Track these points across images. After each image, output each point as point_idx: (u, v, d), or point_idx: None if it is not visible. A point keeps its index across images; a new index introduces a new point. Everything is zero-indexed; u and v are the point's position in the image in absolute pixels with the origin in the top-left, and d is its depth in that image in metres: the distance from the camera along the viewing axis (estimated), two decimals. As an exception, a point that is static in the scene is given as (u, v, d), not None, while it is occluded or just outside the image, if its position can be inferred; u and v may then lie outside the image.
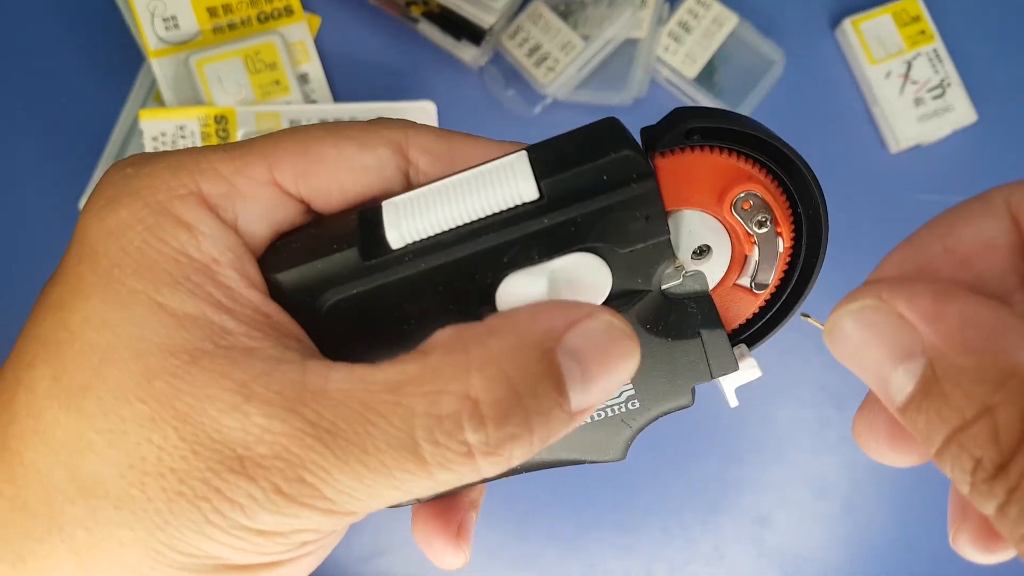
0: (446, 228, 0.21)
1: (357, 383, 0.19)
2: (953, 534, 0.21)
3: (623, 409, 0.25)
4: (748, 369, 0.25)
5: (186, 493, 0.19)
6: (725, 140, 0.23)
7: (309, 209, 0.23)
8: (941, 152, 0.63)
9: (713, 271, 0.25)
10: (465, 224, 0.21)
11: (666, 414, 0.25)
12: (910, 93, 0.62)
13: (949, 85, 0.62)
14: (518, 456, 0.19)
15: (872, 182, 0.63)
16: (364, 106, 0.56)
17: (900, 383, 0.18)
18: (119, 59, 0.58)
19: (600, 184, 0.21)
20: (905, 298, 0.18)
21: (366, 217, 0.22)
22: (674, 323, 0.24)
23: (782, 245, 0.24)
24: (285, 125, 0.55)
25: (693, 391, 0.25)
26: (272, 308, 0.21)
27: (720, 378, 0.25)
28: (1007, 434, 0.16)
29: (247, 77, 0.55)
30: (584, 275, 0.22)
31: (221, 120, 0.54)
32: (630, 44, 0.60)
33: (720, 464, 0.62)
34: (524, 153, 0.22)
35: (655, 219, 0.22)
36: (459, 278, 0.22)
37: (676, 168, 0.23)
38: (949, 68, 0.62)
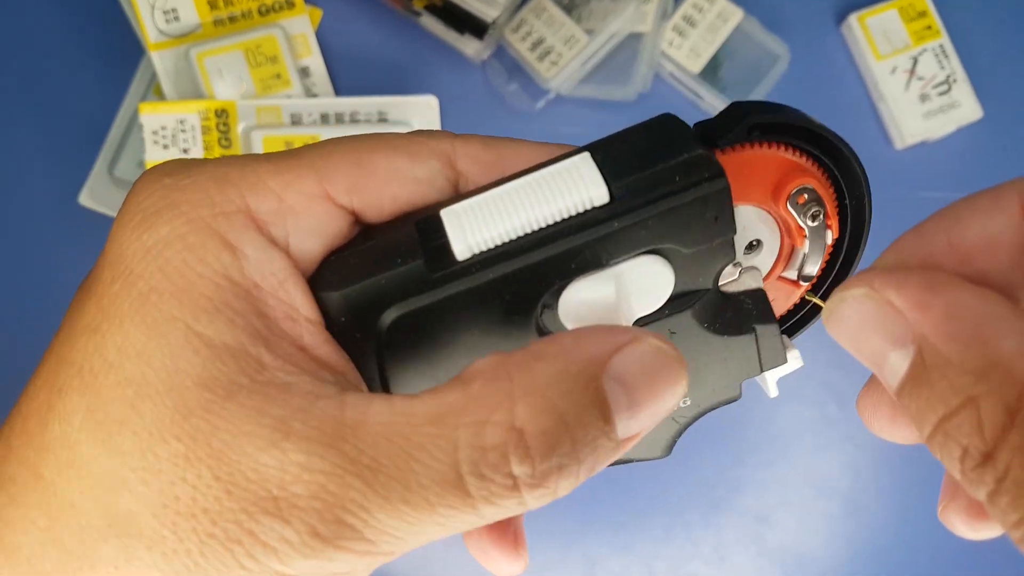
0: (515, 236, 0.21)
1: (397, 416, 0.18)
2: (942, 508, 0.22)
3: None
4: (793, 361, 0.25)
5: (218, 535, 0.18)
6: (781, 134, 0.23)
7: (357, 220, 0.22)
8: (946, 149, 0.63)
9: (762, 265, 0.25)
10: (534, 231, 0.21)
11: (714, 409, 0.25)
12: (916, 89, 0.61)
13: (955, 81, 0.62)
14: (564, 488, 0.18)
15: (877, 178, 0.62)
16: (366, 100, 0.56)
17: (893, 369, 0.18)
18: (119, 52, 0.58)
19: (672, 185, 0.21)
20: (895, 287, 0.18)
21: (424, 228, 0.21)
22: (730, 320, 0.24)
23: (830, 237, 0.24)
24: (286, 119, 0.55)
25: (741, 386, 0.25)
26: (311, 340, 0.21)
27: (766, 374, 0.25)
28: (991, 424, 0.16)
29: (248, 70, 0.55)
30: (649, 278, 0.22)
31: (222, 114, 0.54)
32: (634, 38, 0.59)
33: (721, 462, 0.62)
34: (587, 155, 0.21)
35: (724, 219, 0.21)
36: (526, 286, 0.21)
37: (735, 164, 0.23)
38: (955, 64, 0.62)
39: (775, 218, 0.24)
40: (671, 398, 0.19)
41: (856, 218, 0.25)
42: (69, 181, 0.56)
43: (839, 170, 0.24)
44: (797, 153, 0.23)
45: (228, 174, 0.21)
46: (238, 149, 0.54)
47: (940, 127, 0.61)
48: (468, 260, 0.21)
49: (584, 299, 0.21)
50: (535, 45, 0.59)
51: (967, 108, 0.62)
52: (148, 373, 0.19)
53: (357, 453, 0.18)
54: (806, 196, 0.23)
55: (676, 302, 0.23)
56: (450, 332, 0.21)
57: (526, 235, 0.21)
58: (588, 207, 0.21)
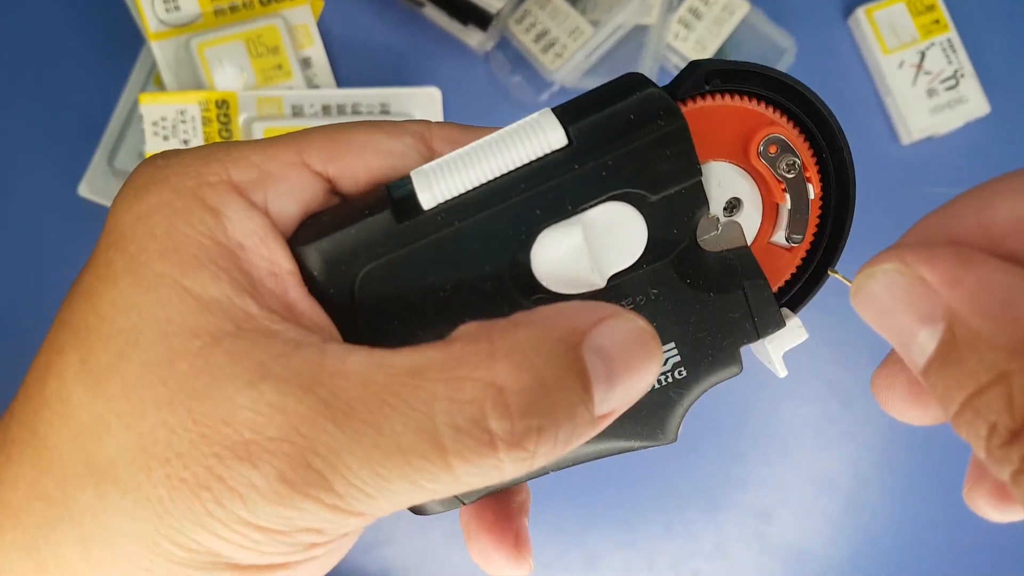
0: (477, 184, 0.21)
1: (376, 366, 0.18)
2: (968, 489, 0.22)
3: (670, 379, 0.24)
4: (795, 330, 0.24)
5: (188, 480, 0.18)
6: (743, 85, 0.23)
7: (334, 190, 0.23)
8: (953, 144, 0.63)
9: (747, 227, 0.25)
10: (496, 178, 0.21)
11: (716, 384, 0.25)
12: (923, 84, 0.61)
13: (963, 76, 0.61)
14: (542, 454, 0.18)
15: (883, 174, 0.62)
16: (368, 91, 0.56)
17: (922, 346, 0.18)
18: (119, 41, 0.57)
19: (628, 124, 0.21)
20: (927, 262, 0.18)
21: (394, 186, 0.22)
22: (715, 275, 0.24)
23: (812, 192, 0.24)
24: (287, 110, 0.54)
25: (740, 356, 0.24)
26: (296, 294, 0.21)
27: (768, 345, 0.25)
28: (1021, 401, 0.16)
29: (249, 61, 0.55)
30: (619, 225, 0.22)
31: (222, 105, 0.53)
32: (640, 30, 0.59)
33: (723, 460, 0.61)
34: (548, 109, 0.22)
35: (685, 158, 0.22)
36: (493, 236, 0.22)
37: (698, 117, 0.23)
38: (963, 59, 0.61)
39: (751, 174, 0.24)
40: (647, 374, 0.19)
41: (840, 173, 0.24)
42: (68, 172, 0.56)
43: (812, 121, 0.24)
44: (762, 104, 0.23)
45: (214, 153, 0.22)
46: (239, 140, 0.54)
47: (947, 122, 0.61)
48: (434, 209, 0.21)
49: (556, 252, 0.22)
50: (539, 37, 0.58)
51: (974, 103, 0.61)
52: (139, 324, 0.19)
53: (332, 397, 0.18)
54: (777, 147, 0.23)
55: (653, 253, 0.23)
56: (423, 287, 0.22)
57: (489, 182, 0.21)
58: (547, 151, 0.21)
